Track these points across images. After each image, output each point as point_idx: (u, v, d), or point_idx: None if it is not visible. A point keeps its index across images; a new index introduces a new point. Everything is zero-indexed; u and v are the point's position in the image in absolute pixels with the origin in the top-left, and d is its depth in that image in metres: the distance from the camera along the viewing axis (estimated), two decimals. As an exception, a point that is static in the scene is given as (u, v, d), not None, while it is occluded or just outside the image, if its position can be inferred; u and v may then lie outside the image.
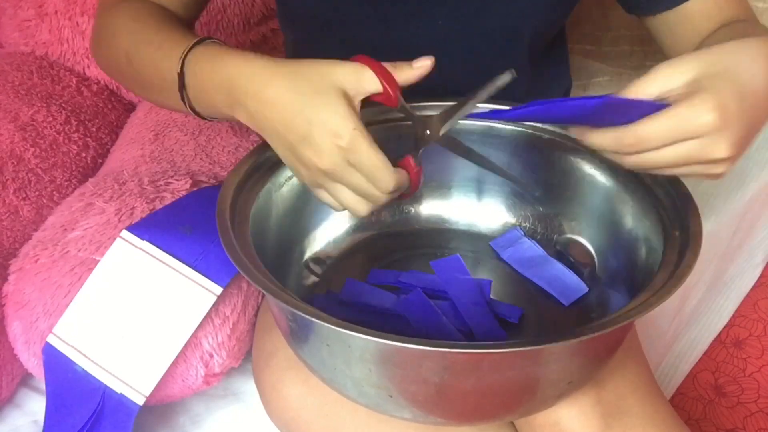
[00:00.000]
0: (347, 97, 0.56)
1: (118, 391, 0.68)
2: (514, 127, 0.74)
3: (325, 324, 0.50)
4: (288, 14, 0.83)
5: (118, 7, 0.72)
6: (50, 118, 0.94)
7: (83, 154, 0.96)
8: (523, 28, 0.75)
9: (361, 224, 0.78)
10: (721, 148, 0.51)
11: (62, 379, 0.70)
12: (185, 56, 0.63)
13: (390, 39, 0.74)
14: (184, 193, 0.77)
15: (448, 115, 0.60)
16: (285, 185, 0.70)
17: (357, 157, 0.55)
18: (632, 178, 0.68)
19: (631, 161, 0.55)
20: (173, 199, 0.75)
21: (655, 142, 0.52)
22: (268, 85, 0.57)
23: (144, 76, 0.68)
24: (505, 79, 0.58)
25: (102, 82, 1.06)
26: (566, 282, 0.71)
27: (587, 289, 0.71)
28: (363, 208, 0.59)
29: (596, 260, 0.72)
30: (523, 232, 0.76)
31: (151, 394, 0.70)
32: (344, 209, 0.60)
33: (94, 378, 0.69)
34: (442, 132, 0.61)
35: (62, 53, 1.04)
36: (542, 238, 0.76)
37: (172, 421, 0.78)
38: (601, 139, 0.54)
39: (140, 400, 0.69)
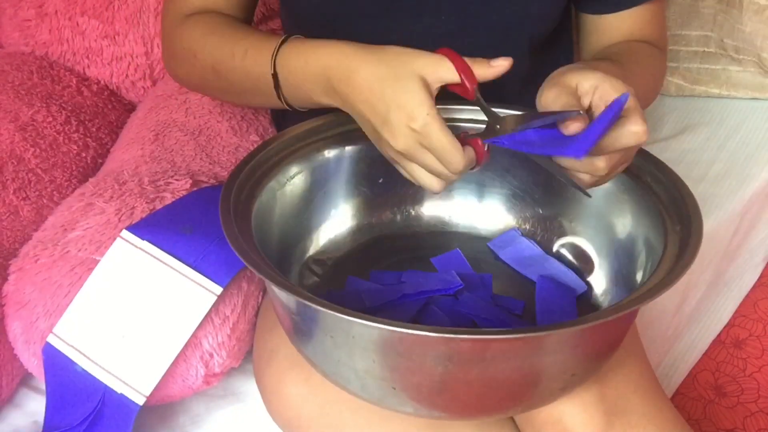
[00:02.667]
0: (425, 84, 0.60)
1: (119, 391, 0.68)
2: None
3: (330, 312, 0.51)
4: (292, 11, 0.83)
5: (187, 25, 0.77)
6: (50, 118, 0.94)
7: (83, 154, 0.96)
8: (526, 21, 0.76)
9: (362, 226, 0.78)
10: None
11: (62, 378, 0.70)
12: (275, 58, 0.69)
13: (394, 34, 0.75)
14: (184, 193, 0.77)
15: (518, 120, 0.62)
16: (288, 184, 0.70)
17: (429, 141, 0.59)
18: (631, 178, 0.68)
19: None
20: (173, 199, 0.75)
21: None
22: (357, 71, 0.62)
23: (236, 85, 0.74)
24: (577, 114, 0.59)
25: (102, 82, 1.06)
26: (565, 281, 0.71)
27: (586, 287, 0.71)
28: (436, 185, 0.62)
29: (596, 260, 0.73)
30: (520, 232, 0.77)
31: (151, 394, 0.70)
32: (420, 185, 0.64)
33: (95, 378, 0.69)
34: (511, 131, 0.62)
35: (62, 53, 1.04)
36: (542, 239, 0.76)
37: (172, 421, 0.78)
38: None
39: (140, 400, 0.69)
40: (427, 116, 0.58)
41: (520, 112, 0.65)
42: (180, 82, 0.85)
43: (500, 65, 0.62)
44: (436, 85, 0.61)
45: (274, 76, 0.69)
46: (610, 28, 0.82)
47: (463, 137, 0.60)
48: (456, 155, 0.59)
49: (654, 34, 0.82)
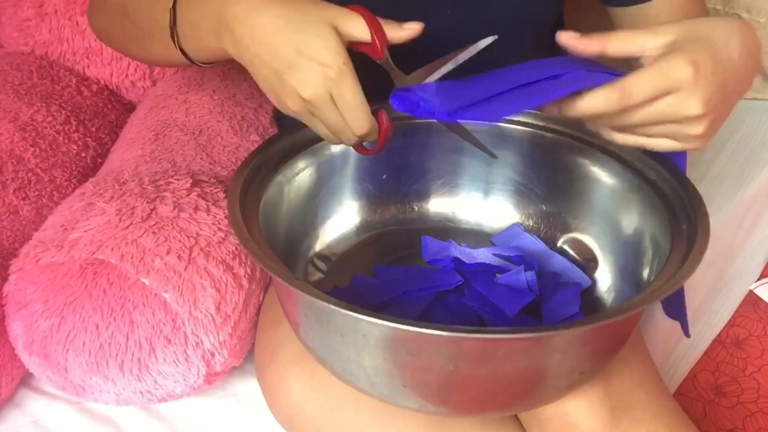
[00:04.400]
0: (338, 33, 0.57)
1: None
2: (519, 126, 0.74)
3: (341, 311, 0.50)
4: None
5: None
6: (50, 118, 0.94)
7: (83, 154, 0.95)
8: (529, 15, 0.77)
9: (367, 222, 0.78)
10: (694, 105, 0.54)
11: None
12: None
13: None
14: (184, 192, 0.76)
15: (426, 72, 0.60)
16: (295, 179, 0.70)
17: (341, 91, 0.56)
18: (637, 175, 0.68)
19: (620, 136, 0.57)
20: (174, 199, 0.75)
21: (640, 96, 0.53)
22: (258, 9, 0.57)
23: (137, 24, 0.69)
24: (486, 42, 0.59)
25: (102, 82, 1.06)
26: (569, 275, 0.71)
27: (590, 282, 0.71)
28: (332, 142, 0.61)
29: (600, 257, 0.73)
30: (522, 228, 0.77)
31: (151, 394, 0.70)
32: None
33: None
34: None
35: (62, 53, 1.04)
36: (545, 235, 0.76)
37: (172, 422, 0.77)
38: (591, 101, 0.55)
39: None
40: (343, 65, 0.55)
41: (429, 69, 0.61)
42: (93, 27, 0.79)
43: (412, 28, 0.59)
44: (346, 39, 0.58)
45: (172, 11, 0.64)
46: (649, 21, 0.75)
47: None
48: (363, 114, 0.57)
49: (702, 13, 0.76)
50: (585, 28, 1.30)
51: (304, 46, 0.56)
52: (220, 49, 0.62)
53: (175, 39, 0.65)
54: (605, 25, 1.29)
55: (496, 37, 0.59)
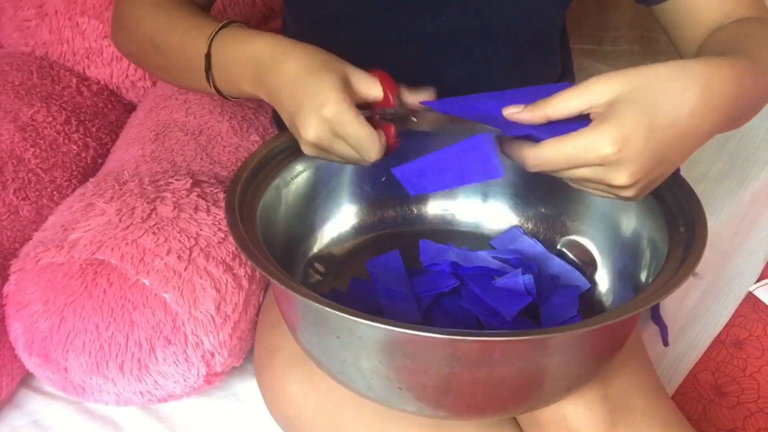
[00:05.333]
0: (346, 81, 0.58)
1: None
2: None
3: (337, 314, 0.50)
4: (294, 10, 0.83)
5: None
6: (50, 118, 0.94)
7: (83, 154, 0.95)
8: (527, 20, 0.76)
9: (365, 224, 0.78)
10: (618, 177, 0.53)
11: None
12: (213, 38, 0.66)
13: (396, 34, 0.75)
14: (184, 193, 0.76)
15: (437, 118, 0.61)
16: (293, 182, 0.70)
17: (343, 130, 0.57)
18: None
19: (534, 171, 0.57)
20: (174, 199, 0.75)
21: (555, 165, 0.54)
22: (287, 60, 0.60)
23: (171, 60, 0.71)
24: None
25: (102, 82, 1.06)
26: (568, 278, 0.71)
27: (589, 284, 0.71)
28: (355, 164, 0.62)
29: (599, 260, 0.73)
30: (522, 230, 0.77)
31: (151, 394, 0.70)
32: None
33: None
34: (426, 128, 0.62)
35: (62, 53, 1.04)
36: (544, 238, 0.76)
37: (172, 422, 0.77)
38: (511, 150, 0.56)
39: None
40: (340, 104, 0.56)
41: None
42: (120, 50, 0.81)
43: (426, 93, 0.61)
44: (356, 94, 0.59)
45: (207, 56, 0.67)
46: (697, 11, 0.72)
47: (376, 120, 0.59)
48: (373, 144, 0.58)
49: (755, 5, 0.71)
50: (588, 25, 1.30)
51: (309, 88, 0.57)
52: (256, 96, 0.64)
53: (211, 81, 0.68)
54: (608, 21, 1.30)
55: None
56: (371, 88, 0.59)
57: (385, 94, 0.59)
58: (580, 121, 0.54)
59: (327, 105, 0.56)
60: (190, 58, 0.68)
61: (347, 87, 0.58)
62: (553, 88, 0.55)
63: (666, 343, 0.68)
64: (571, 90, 0.54)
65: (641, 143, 0.51)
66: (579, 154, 0.52)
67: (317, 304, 0.51)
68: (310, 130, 0.58)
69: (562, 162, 0.53)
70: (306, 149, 0.61)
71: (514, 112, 0.55)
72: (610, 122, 0.51)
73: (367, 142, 0.57)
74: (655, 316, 0.69)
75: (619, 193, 0.55)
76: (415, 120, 0.60)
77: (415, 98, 0.61)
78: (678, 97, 0.52)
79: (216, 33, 0.66)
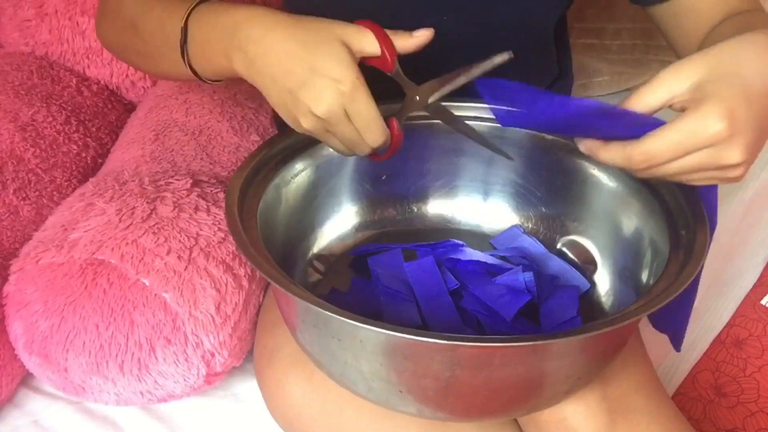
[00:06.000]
0: (349, 50, 0.57)
1: None
2: (519, 129, 0.74)
3: (338, 317, 0.51)
4: (295, 10, 0.83)
5: None
6: (50, 118, 0.94)
7: (83, 154, 0.95)
8: (528, 19, 0.76)
9: (365, 223, 0.78)
10: (733, 155, 0.51)
11: None
12: (190, 11, 0.65)
13: None
14: (184, 193, 0.76)
15: (439, 84, 0.61)
16: (293, 181, 0.70)
17: (355, 106, 0.57)
18: (637, 180, 0.68)
19: (644, 174, 0.55)
20: (174, 199, 0.75)
21: (665, 157, 0.52)
22: (272, 31, 0.58)
23: (148, 41, 0.70)
24: (502, 57, 0.59)
25: (102, 82, 1.06)
26: (568, 278, 0.71)
27: (589, 284, 0.71)
28: (346, 155, 0.61)
29: (599, 260, 0.73)
30: (522, 230, 0.77)
31: (151, 394, 0.70)
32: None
33: None
34: (431, 100, 0.61)
35: (62, 53, 1.04)
36: (545, 237, 0.76)
37: (172, 422, 0.77)
38: (611, 155, 0.54)
39: None
40: (356, 80, 0.56)
41: (442, 81, 0.62)
42: (102, 41, 0.80)
43: (422, 35, 0.60)
44: (357, 56, 0.58)
45: (184, 29, 0.65)
46: (698, 10, 0.71)
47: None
48: (378, 127, 0.58)
49: (752, 2, 0.71)
50: (590, 19, 1.30)
51: (318, 64, 0.56)
52: (229, 69, 0.62)
53: (185, 57, 0.66)
54: (610, 15, 1.29)
55: (511, 54, 0.58)
56: (367, 44, 0.59)
57: (383, 52, 0.59)
58: (651, 122, 0.52)
59: (344, 81, 0.56)
60: (168, 36, 0.67)
61: (355, 59, 0.57)
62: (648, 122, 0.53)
63: (678, 349, 0.68)
64: (648, 85, 0.52)
65: (745, 114, 0.50)
66: (688, 138, 0.50)
67: (318, 308, 0.51)
68: (322, 104, 0.57)
69: (672, 151, 0.51)
70: (306, 122, 0.59)
71: (595, 146, 0.54)
72: (711, 100, 0.50)
73: (374, 124, 0.57)
74: (658, 323, 0.69)
75: (730, 174, 0.53)
76: (418, 99, 0.60)
77: (410, 42, 0.60)
78: (756, 64, 0.52)
79: (195, 6, 0.65)
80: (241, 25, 0.60)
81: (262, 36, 0.59)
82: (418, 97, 0.61)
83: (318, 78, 0.56)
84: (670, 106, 0.53)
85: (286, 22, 0.59)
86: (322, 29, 0.58)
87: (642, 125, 0.52)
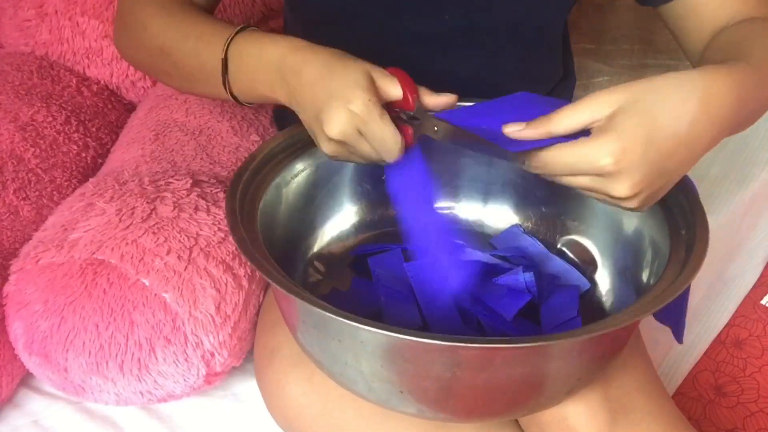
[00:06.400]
0: (370, 78, 0.58)
1: None
2: None
3: (339, 319, 0.51)
4: (296, 10, 0.83)
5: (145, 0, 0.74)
6: (50, 118, 0.94)
7: (83, 154, 0.95)
8: (529, 22, 0.76)
9: (366, 223, 0.78)
10: (619, 189, 0.53)
11: None
12: (229, 43, 0.66)
13: (397, 32, 0.75)
14: (184, 193, 0.76)
15: (453, 130, 0.61)
16: (293, 181, 0.70)
17: (368, 128, 0.57)
18: None
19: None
20: (174, 199, 0.75)
21: (557, 171, 0.54)
22: (309, 63, 0.60)
23: (182, 68, 0.71)
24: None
25: (102, 82, 1.06)
26: (568, 278, 0.71)
27: (589, 284, 0.71)
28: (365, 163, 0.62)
29: (599, 260, 0.73)
30: (522, 229, 0.77)
31: (151, 394, 0.70)
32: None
33: None
34: (445, 137, 0.61)
35: (62, 53, 1.04)
36: (545, 237, 0.76)
37: (172, 422, 0.77)
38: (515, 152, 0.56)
39: None
40: (368, 101, 0.57)
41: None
42: (123, 54, 0.81)
43: (447, 97, 0.61)
44: (381, 92, 0.59)
45: (224, 61, 0.67)
46: (703, 11, 0.71)
47: (395, 119, 0.60)
48: (393, 145, 0.58)
49: (760, 5, 0.71)
50: (588, 24, 1.30)
51: (333, 88, 0.58)
52: (273, 99, 0.65)
53: (227, 86, 0.68)
54: (608, 20, 1.30)
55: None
56: (391, 87, 0.60)
57: (405, 95, 0.60)
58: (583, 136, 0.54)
59: (354, 101, 0.57)
60: (204, 66, 0.69)
61: (372, 85, 0.58)
62: (554, 102, 0.55)
63: (680, 341, 0.68)
64: (573, 106, 0.54)
65: (639, 155, 0.52)
66: (577, 162, 0.53)
67: (318, 309, 0.51)
68: (335, 126, 0.58)
69: (562, 168, 0.54)
70: (326, 147, 0.61)
71: (515, 130, 0.55)
72: (609, 134, 0.52)
73: (389, 143, 0.58)
74: (661, 315, 0.69)
75: (620, 204, 0.55)
76: (437, 130, 0.60)
77: (435, 101, 0.61)
78: (677, 108, 0.53)
79: (232, 38, 0.67)
80: (283, 60, 0.62)
81: (301, 68, 0.61)
82: (436, 129, 0.61)
83: (333, 101, 0.58)
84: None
85: (320, 54, 0.61)
86: (352, 63, 0.59)
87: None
